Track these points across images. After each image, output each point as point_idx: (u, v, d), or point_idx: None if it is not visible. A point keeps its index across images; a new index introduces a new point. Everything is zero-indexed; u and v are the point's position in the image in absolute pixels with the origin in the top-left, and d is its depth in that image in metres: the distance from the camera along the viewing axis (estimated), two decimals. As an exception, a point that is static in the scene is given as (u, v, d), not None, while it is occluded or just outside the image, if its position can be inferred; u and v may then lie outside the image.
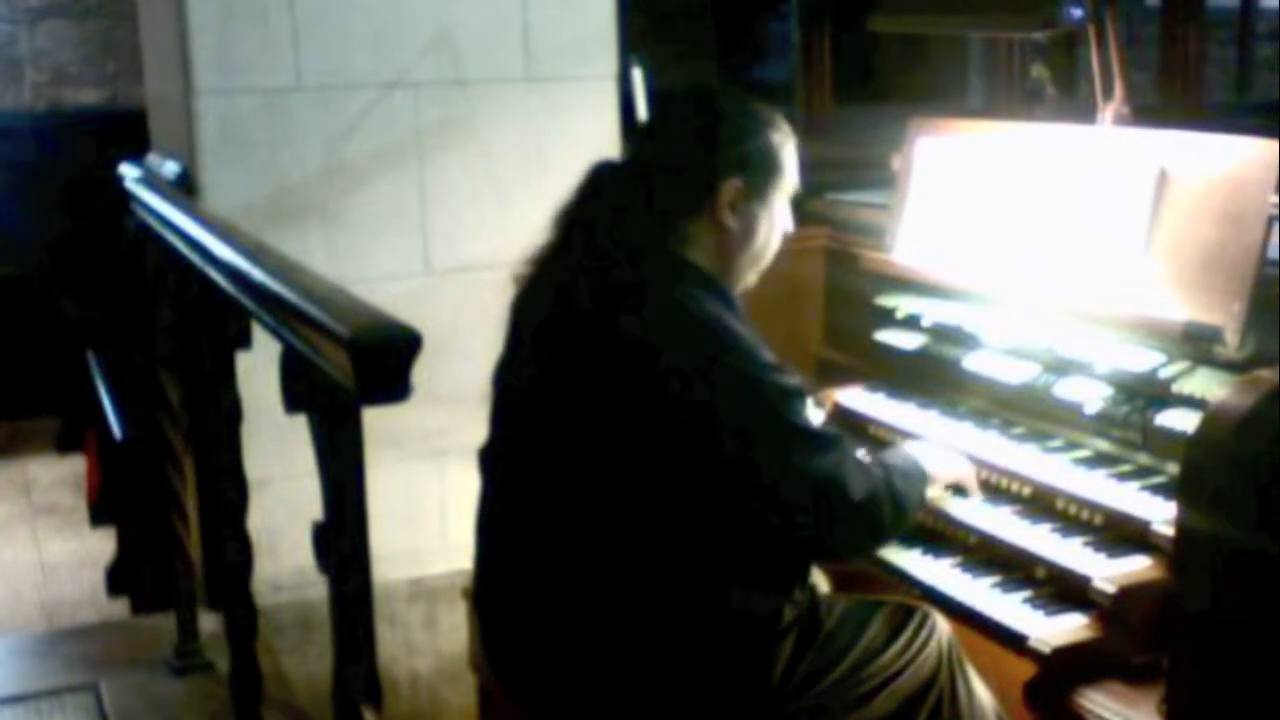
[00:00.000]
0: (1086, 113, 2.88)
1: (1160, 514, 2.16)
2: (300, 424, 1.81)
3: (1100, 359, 2.44)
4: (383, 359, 1.57)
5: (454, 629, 3.27)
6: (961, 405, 2.74)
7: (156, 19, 3.55)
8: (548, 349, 2.18)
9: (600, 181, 2.26)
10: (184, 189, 3.15)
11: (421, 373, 1.58)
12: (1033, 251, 2.61)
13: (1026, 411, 2.60)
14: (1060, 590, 2.21)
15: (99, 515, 4.61)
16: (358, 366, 1.57)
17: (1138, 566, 2.15)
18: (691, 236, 2.19)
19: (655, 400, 2.03)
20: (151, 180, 3.15)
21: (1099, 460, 2.41)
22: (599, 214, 2.20)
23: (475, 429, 2.30)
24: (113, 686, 3.08)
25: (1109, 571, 2.14)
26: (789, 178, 2.30)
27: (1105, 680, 2.07)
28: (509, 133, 3.44)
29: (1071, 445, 2.49)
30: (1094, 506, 2.29)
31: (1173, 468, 2.24)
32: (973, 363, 2.70)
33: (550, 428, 2.15)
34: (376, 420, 1.68)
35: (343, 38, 3.27)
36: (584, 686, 2.13)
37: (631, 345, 2.06)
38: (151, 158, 3.61)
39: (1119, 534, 2.24)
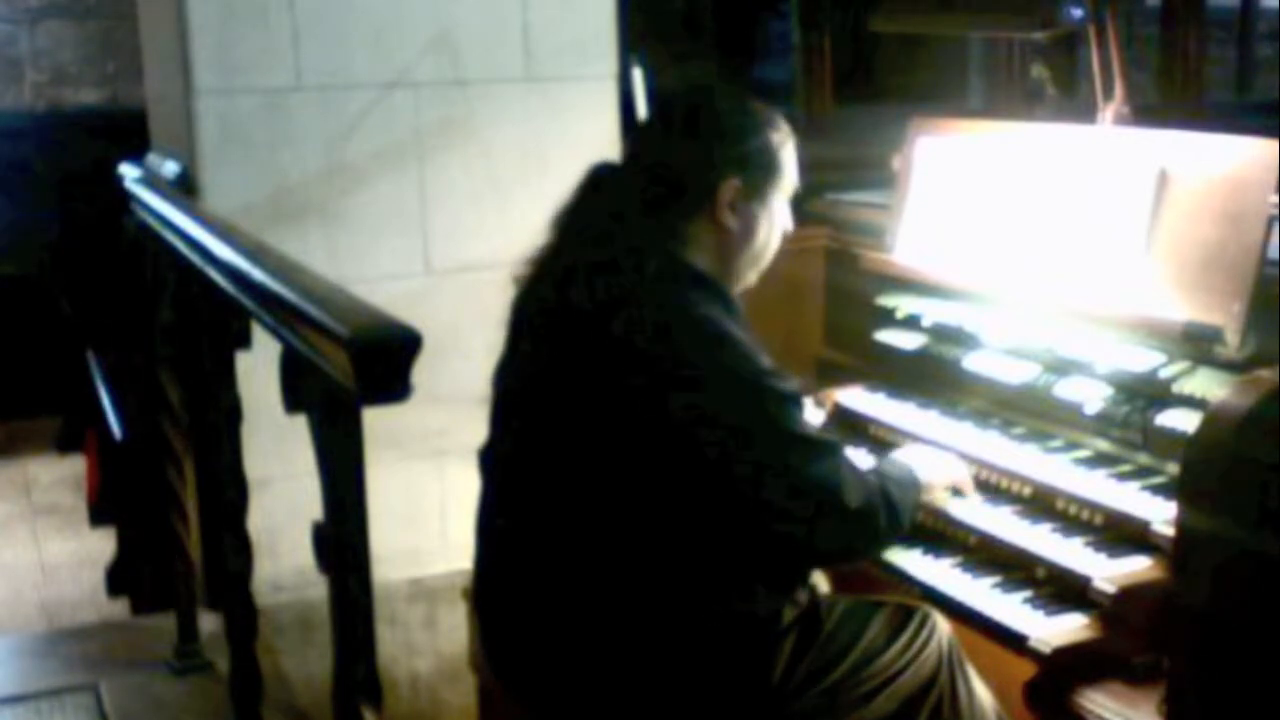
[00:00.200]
0: (1086, 113, 2.88)
1: (1160, 514, 2.16)
2: (300, 424, 1.81)
3: (1100, 359, 2.44)
4: (383, 359, 1.58)
5: (454, 629, 3.27)
6: (962, 405, 2.74)
7: (156, 19, 3.55)
8: (547, 350, 2.18)
9: (599, 182, 2.26)
10: (184, 189, 3.15)
11: (421, 373, 1.58)
12: (1033, 251, 2.61)
13: (1027, 411, 2.60)
14: (1060, 590, 2.21)
15: (99, 515, 4.61)
16: (358, 366, 1.57)
17: (1138, 566, 2.15)
18: (691, 237, 2.18)
19: (653, 403, 2.03)
20: (151, 180, 3.15)
21: (1099, 460, 2.41)
22: (597, 215, 2.20)
23: (475, 429, 2.30)
24: (113, 686, 3.08)
25: (1109, 571, 2.14)
26: (788, 177, 2.29)
27: (1105, 680, 2.07)
28: (509, 133, 3.44)
29: (1072, 445, 2.49)
30: (1094, 506, 2.29)
31: (1173, 468, 2.24)
32: (973, 363, 2.70)
33: (549, 429, 2.15)
34: (376, 420, 1.68)
35: (343, 38, 3.27)
36: (584, 686, 2.13)
37: (630, 348, 2.05)
38: (151, 158, 3.61)
39: (1119, 534, 2.24)
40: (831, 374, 3.08)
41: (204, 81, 3.18)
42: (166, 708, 3.00)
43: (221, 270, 2.20)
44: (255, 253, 2.11)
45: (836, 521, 2.12)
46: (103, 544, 4.52)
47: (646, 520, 2.06)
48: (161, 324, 3.02)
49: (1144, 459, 2.36)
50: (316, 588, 1.91)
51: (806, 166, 2.34)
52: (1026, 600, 2.22)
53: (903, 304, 2.90)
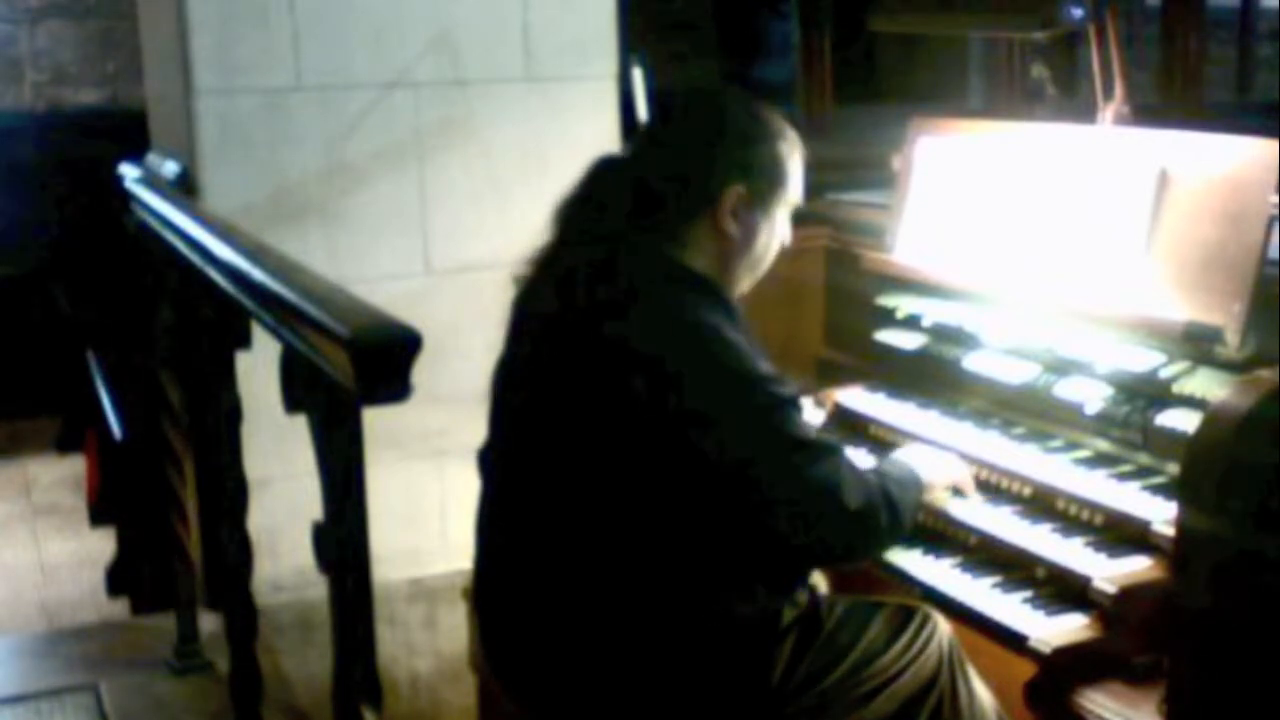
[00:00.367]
0: (1087, 113, 2.88)
1: (1160, 514, 2.16)
2: (300, 424, 1.81)
3: (1101, 359, 2.44)
4: (383, 359, 1.58)
5: (454, 629, 3.27)
6: (962, 405, 2.74)
7: (156, 19, 3.55)
8: (547, 351, 2.17)
9: (602, 177, 2.25)
10: (184, 189, 3.15)
11: (421, 373, 1.58)
12: (1033, 251, 2.61)
13: (1027, 411, 2.60)
14: (1060, 590, 2.21)
15: (99, 515, 4.61)
16: (358, 366, 1.57)
17: (1138, 566, 2.15)
18: (691, 241, 2.18)
19: (651, 407, 2.03)
20: (151, 180, 3.15)
21: (1099, 460, 2.41)
22: (599, 211, 2.20)
23: (475, 429, 2.30)
24: (113, 686, 3.08)
25: (1109, 571, 2.14)
26: (793, 189, 2.28)
27: (1105, 680, 2.07)
28: (509, 133, 3.44)
29: (1072, 445, 2.49)
30: (1094, 506, 2.29)
31: (1173, 468, 2.24)
32: (973, 363, 2.70)
33: (548, 429, 2.14)
34: (376, 420, 1.69)
35: (343, 38, 3.27)
36: (583, 687, 2.12)
37: (628, 351, 2.05)
38: (151, 157, 3.61)
39: (1119, 534, 2.24)
40: (831, 374, 3.08)
41: (204, 81, 3.18)
42: (166, 708, 3.00)
43: (221, 270, 2.21)
44: (255, 253, 2.11)
45: (837, 522, 2.12)
46: (103, 544, 4.52)
47: (645, 521, 2.06)
48: (161, 324, 3.02)
49: (1144, 459, 2.35)
50: (316, 588, 1.91)
51: (807, 166, 2.34)
52: (1026, 600, 2.21)
53: (903, 304, 2.90)
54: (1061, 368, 2.53)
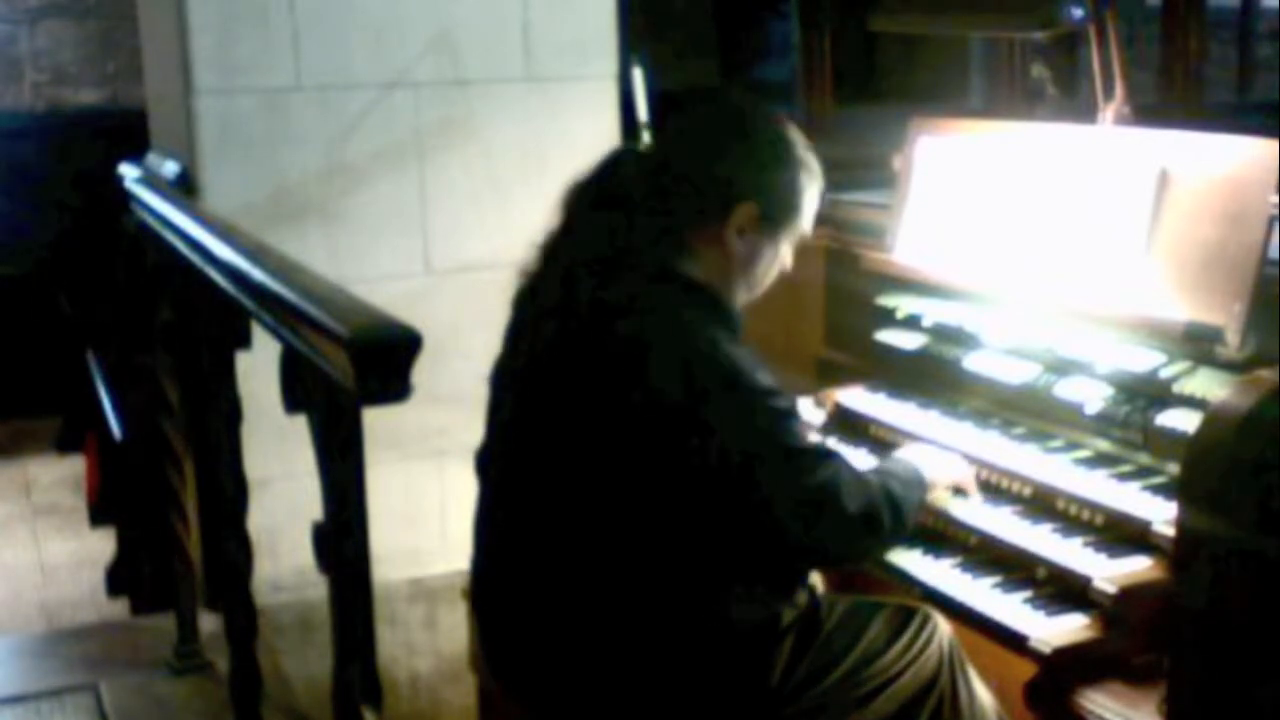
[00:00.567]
0: (1087, 113, 2.88)
1: (1160, 514, 2.16)
2: (300, 424, 1.81)
3: (1101, 359, 2.44)
4: (383, 359, 1.58)
5: (454, 629, 3.26)
6: (962, 405, 2.74)
7: (156, 19, 3.55)
8: (546, 353, 2.17)
9: (619, 168, 2.23)
10: (184, 189, 3.15)
11: (421, 373, 1.58)
12: (1033, 251, 2.61)
13: (1027, 411, 2.60)
14: (1061, 590, 2.21)
15: (99, 515, 4.61)
16: (358, 366, 1.57)
17: (1138, 566, 2.15)
18: (693, 250, 2.16)
19: (649, 413, 2.02)
20: (151, 180, 3.15)
21: (1099, 460, 2.41)
22: (608, 204, 2.18)
23: (475, 429, 2.30)
24: (113, 687, 3.08)
25: (1109, 571, 2.14)
26: (804, 221, 2.25)
27: (1105, 680, 2.07)
28: (509, 133, 3.44)
29: (1072, 445, 2.49)
30: (1094, 507, 2.29)
31: (1173, 468, 2.23)
32: (973, 363, 2.70)
33: (545, 431, 2.14)
34: (376, 420, 1.68)
35: (343, 38, 3.27)
36: (583, 687, 2.12)
37: (627, 357, 2.04)
38: (151, 158, 3.61)
39: (1119, 534, 2.24)
40: (831, 374, 3.08)
41: (204, 81, 3.18)
42: (166, 708, 3.00)
43: (221, 270, 2.20)
44: (255, 253, 2.11)
45: (837, 525, 2.12)
46: (103, 544, 4.52)
47: (644, 522, 2.06)
48: (161, 324, 3.02)
49: (1144, 459, 2.35)
50: (316, 588, 1.91)
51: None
52: (1027, 600, 2.22)
53: (903, 304, 2.90)
54: (1062, 368, 2.53)
